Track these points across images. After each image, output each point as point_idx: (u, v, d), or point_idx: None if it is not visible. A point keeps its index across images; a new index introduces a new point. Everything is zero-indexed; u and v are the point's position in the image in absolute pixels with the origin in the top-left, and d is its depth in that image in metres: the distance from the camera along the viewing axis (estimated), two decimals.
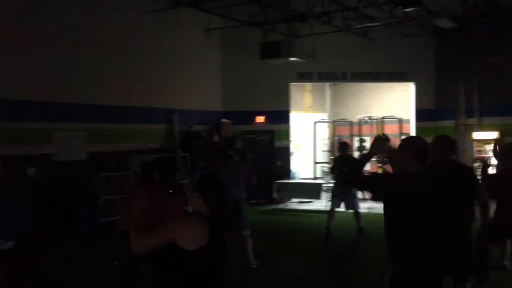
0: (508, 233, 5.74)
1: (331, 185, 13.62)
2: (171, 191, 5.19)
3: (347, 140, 17.06)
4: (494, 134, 14.18)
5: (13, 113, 9.64)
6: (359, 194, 12.04)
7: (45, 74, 10.10)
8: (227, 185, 6.84)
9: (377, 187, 3.62)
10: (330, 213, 9.91)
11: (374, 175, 3.98)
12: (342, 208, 10.13)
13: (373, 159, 14.11)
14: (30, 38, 9.82)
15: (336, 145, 17.54)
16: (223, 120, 14.12)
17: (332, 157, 17.26)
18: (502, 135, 13.82)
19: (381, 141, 3.94)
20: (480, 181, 5.33)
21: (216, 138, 13.64)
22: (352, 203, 9.97)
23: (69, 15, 10.49)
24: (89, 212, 10.47)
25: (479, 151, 14.45)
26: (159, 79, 12.66)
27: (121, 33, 11.61)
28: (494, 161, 12.72)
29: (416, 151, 3.45)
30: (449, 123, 15.29)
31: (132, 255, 4.31)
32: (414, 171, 3.41)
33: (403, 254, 3.34)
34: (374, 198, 11.05)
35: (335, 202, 9.96)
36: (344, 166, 9.84)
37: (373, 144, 3.84)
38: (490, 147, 14.25)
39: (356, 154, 14.90)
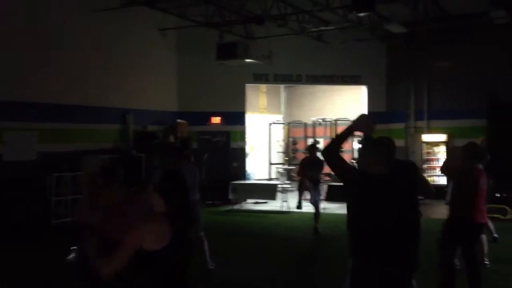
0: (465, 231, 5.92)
1: (286, 185, 13.85)
2: (134, 189, 5.12)
3: (301, 142, 17.39)
4: (442, 137, 14.71)
5: None
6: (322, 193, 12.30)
7: None
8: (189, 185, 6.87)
9: (348, 177, 3.58)
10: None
11: (351, 165, 3.82)
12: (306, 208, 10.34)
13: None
14: None
15: (291, 146, 17.83)
16: (179, 120, 14.04)
17: (286, 158, 17.48)
18: (450, 137, 14.36)
19: (367, 120, 3.51)
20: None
21: (172, 138, 13.54)
22: (315, 199, 10.10)
23: (18, 14, 10.22)
24: (40, 213, 10.19)
25: (428, 152, 14.96)
26: (114, 78, 12.46)
27: (72, 32, 11.36)
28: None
29: (385, 153, 3.49)
30: (399, 125, 15.76)
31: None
32: (382, 172, 3.45)
33: (364, 249, 3.44)
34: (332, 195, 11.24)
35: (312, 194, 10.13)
36: (312, 171, 10.02)
37: (357, 120, 3.51)
38: (438, 149, 14.80)
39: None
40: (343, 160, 3.63)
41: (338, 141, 3.61)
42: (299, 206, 10.81)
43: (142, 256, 3.09)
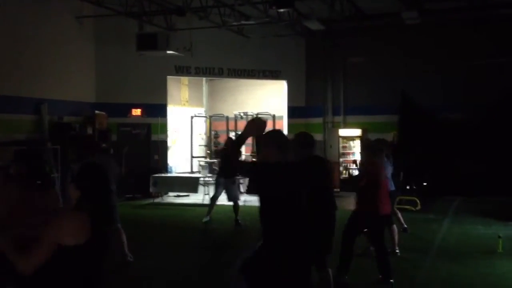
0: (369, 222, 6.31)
1: (208, 178, 13.91)
2: (39, 183, 4.96)
3: (223, 135, 17.48)
4: (357, 131, 15.35)
5: None
6: (241, 188, 12.51)
7: None
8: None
9: (253, 174, 4.04)
10: (213, 200, 10.44)
11: (251, 163, 4.40)
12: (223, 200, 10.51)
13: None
14: None
15: (213, 140, 17.87)
16: (97, 112, 13.66)
17: (208, 151, 17.51)
18: (364, 132, 15.01)
19: (256, 123, 3.93)
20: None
21: (90, 130, 13.16)
22: (233, 195, 10.28)
23: None
24: None
25: (344, 146, 15.55)
26: (27, 67, 11.89)
27: None
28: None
29: (278, 144, 3.87)
30: (318, 120, 16.28)
31: None
32: (279, 160, 3.82)
33: (270, 235, 3.73)
34: (249, 188, 11.60)
35: (218, 191, 10.44)
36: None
37: (248, 126, 3.86)
38: (354, 143, 15.43)
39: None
40: (248, 163, 4.18)
41: (236, 152, 4.07)
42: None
43: (62, 251, 3.03)
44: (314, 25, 13.45)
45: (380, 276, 6.15)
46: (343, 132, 15.63)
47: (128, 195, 13.40)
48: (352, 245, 6.30)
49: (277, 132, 4.19)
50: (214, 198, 10.51)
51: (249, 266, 3.81)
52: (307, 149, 5.07)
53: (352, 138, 15.49)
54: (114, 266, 6.76)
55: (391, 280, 6.07)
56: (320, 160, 5.56)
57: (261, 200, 3.80)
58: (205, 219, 10.35)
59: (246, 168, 4.31)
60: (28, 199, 4.74)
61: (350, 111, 16.09)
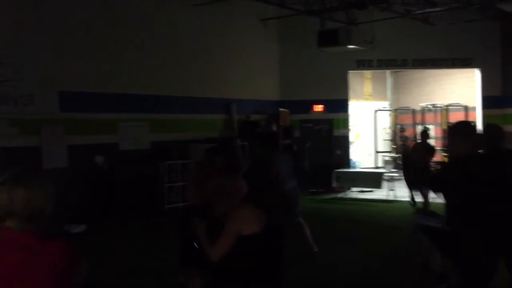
0: None
1: (393, 174, 13.51)
2: (233, 174, 5.35)
3: (409, 129, 16.81)
4: None
5: (82, 104, 10.21)
6: None
7: (109, 68, 10.61)
8: (284, 173, 7.00)
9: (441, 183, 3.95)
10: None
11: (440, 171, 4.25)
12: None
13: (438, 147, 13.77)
14: (94, 34, 10.33)
15: (399, 134, 17.29)
16: (281, 109, 14.21)
17: (394, 146, 16.99)
18: None
19: None
20: None
21: (274, 127, 13.76)
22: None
23: (134, 12, 11.02)
24: (154, 198, 10.88)
25: None
26: (218, 70, 12.91)
27: (176, 25, 11.92)
28: None
29: (467, 136, 3.64)
30: None
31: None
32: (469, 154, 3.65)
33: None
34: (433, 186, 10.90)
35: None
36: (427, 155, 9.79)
37: None
38: None
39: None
40: (438, 175, 4.30)
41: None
42: (412, 203, 10.49)
43: (241, 240, 3.42)
44: (510, 7, 12.12)
45: None
46: None
47: (311, 190, 13.68)
48: None
49: (465, 123, 4.09)
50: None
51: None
52: (496, 142, 4.64)
53: None
54: (298, 256, 6.97)
55: None
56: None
57: (455, 198, 3.66)
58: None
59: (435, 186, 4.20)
60: (225, 187, 5.18)
61: None
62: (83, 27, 10.16)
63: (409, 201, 10.72)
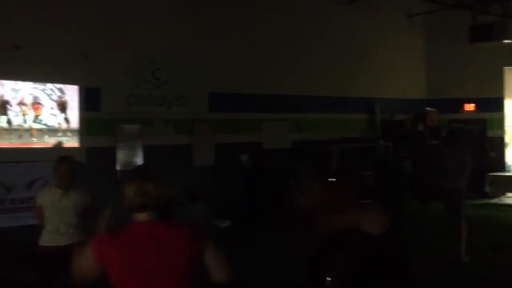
0: None
1: None
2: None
3: None
4: None
5: (228, 105, 10.71)
6: None
7: (255, 69, 10.99)
8: (449, 170, 6.73)
9: None
10: None
11: None
12: None
13: None
14: (243, 38, 10.76)
15: None
16: (428, 108, 13.58)
17: None
18: None
19: None
20: None
21: (421, 127, 13.20)
22: None
23: (280, 13, 11.31)
24: (293, 196, 11.01)
25: None
26: (361, 68, 12.73)
27: (320, 24, 11.97)
28: None
29: None
30: None
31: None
32: None
33: None
34: None
35: None
36: None
37: None
38: None
39: None
40: None
41: None
42: None
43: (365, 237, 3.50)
44: None
45: None
46: None
47: None
48: None
49: None
50: None
51: None
52: None
53: None
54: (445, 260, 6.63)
55: None
56: None
57: None
58: None
59: None
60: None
61: None
62: (233, 30, 10.63)
63: None
